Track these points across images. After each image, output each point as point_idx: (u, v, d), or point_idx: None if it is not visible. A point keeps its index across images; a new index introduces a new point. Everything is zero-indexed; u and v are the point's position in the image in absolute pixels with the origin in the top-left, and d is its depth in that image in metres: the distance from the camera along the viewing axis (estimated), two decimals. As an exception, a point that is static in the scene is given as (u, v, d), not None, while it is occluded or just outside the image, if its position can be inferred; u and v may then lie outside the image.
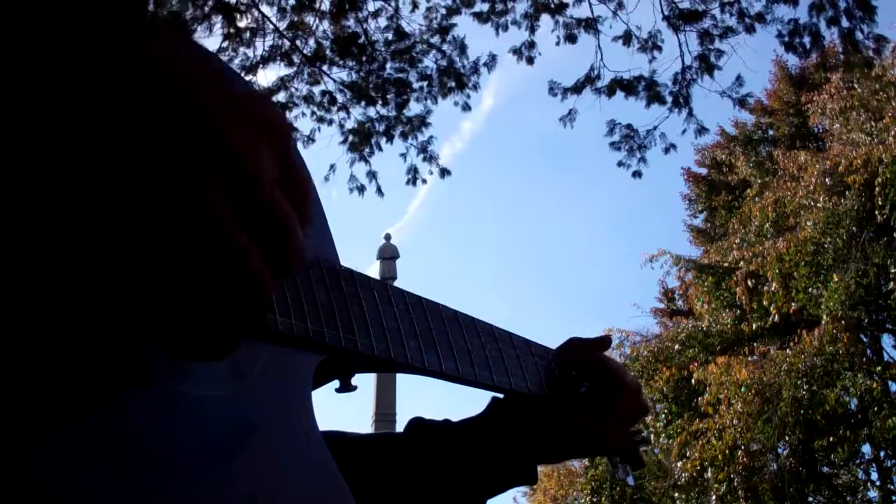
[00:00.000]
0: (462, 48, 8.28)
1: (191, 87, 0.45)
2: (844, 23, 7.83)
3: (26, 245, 0.44)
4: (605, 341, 1.13)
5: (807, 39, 8.06)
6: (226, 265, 0.45)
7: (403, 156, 8.73)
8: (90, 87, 0.43)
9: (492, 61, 8.41)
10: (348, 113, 8.38)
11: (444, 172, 8.95)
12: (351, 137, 8.50)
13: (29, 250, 0.44)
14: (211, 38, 7.39)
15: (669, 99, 8.37)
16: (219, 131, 0.45)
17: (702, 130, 8.70)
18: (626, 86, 8.41)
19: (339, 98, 8.33)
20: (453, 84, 8.36)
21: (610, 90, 8.43)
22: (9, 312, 0.46)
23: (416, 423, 1.05)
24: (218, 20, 7.36)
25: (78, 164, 0.42)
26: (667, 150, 8.91)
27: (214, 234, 0.44)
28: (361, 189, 8.77)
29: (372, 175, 8.76)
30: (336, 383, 0.81)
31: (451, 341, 0.88)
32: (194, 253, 0.44)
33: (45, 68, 0.42)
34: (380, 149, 8.57)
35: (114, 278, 0.44)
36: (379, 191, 8.79)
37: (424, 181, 8.97)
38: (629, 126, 8.87)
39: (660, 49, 8.26)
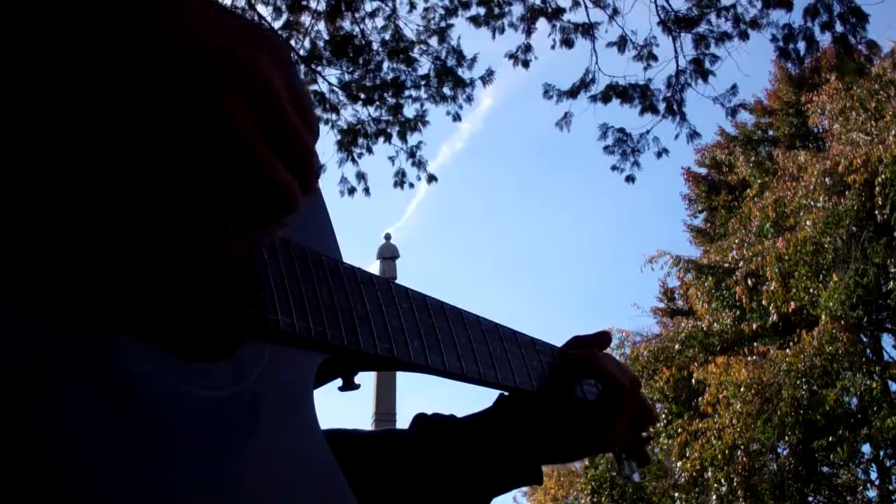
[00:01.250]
0: (460, 56, 8.29)
1: (204, 21, 0.48)
2: (838, 27, 7.87)
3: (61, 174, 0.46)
4: (604, 338, 1.13)
5: (801, 45, 8.09)
6: (256, 177, 0.48)
7: (392, 159, 8.73)
8: (110, 22, 0.45)
9: (489, 76, 8.44)
10: (338, 113, 8.38)
11: (432, 178, 8.95)
12: (342, 138, 8.49)
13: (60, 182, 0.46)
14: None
15: (663, 106, 8.41)
16: (238, 57, 0.48)
17: (694, 135, 8.74)
18: (621, 93, 8.43)
19: (332, 98, 8.33)
20: (448, 91, 8.37)
21: (605, 97, 8.47)
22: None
23: (422, 420, 1.04)
24: None
25: (106, 98, 0.45)
26: (659, 155, 8.96)
27: (243, 150, 0.47)
28: (352, 191, 8.77)
29: (361, 176, 8.76)
30: (339, 382, 0.81)
31: (454, 339, 0.88)
32: (226, 167, 0.47)
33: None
34: (370, 151, 8.57)
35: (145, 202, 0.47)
36: (367, 191, 8.78)
37: (412, 185, 8.96)
38: (622, 130, 8.92)
39: (655, 58, 8.30)
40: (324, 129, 8.50)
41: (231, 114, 0.47)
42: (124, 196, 0.46)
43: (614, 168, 9.00)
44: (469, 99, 8.52)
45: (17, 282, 0.48)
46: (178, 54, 0.46)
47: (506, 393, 1.06)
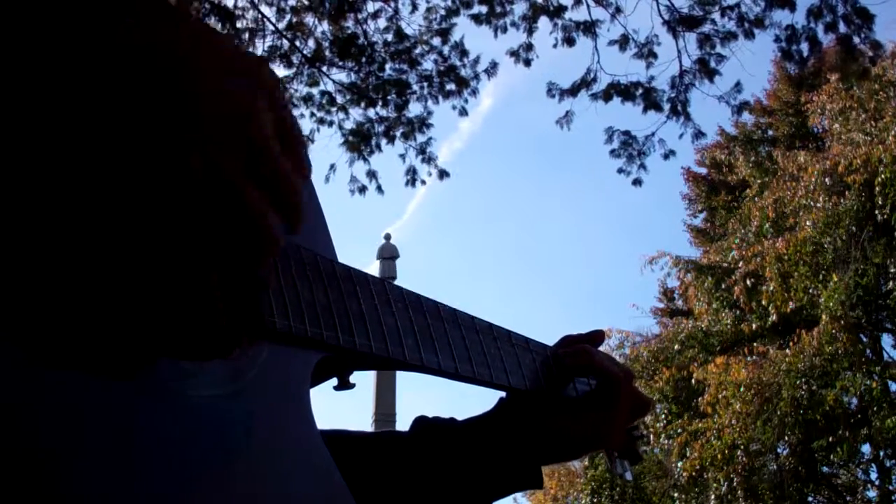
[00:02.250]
0: (463, 52, 8.28)
1: (186, 54, 0.46)
2: (842, 28, 7.83)
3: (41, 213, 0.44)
4: (596, 336, 1.13)
5: (804, 46, 8.05)
6: (242, 219, 0.46)
7: (402, 157, 8.74)
8: (82, 62, 0.43)
9: (493, 68, 8.42)
10: (347, 113, 8.38)
11: (443, 174, 8.95)
12: (350, 138, 8.49)
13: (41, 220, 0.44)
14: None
15: (667, 106, 8.36)
16: (228, 100, 0.47)
17: (699, 135, 8.69)
18: (623, 91, 8.40)
19: (339, 99, 8.33)
20: (453, 87, 8.36)
21: (606, 95, 8.42)
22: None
23: (422, 422, 1.04)
24: (217, 24, 7.35)
25: (78, 139, 0.43)
26: (666, 157, 8.91)
27: (229, 192, 0.46)
28: (363, 189, 8.77)
29: (372, 174, 8.76)
30: (334, 381, 0.81)
31: (449, 339, 0.88)
32: (211, 209, 0.45)
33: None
34: (379, 149, 8.57)
35: (129, 237, 0.45)
36: (379, 189, 8.79)
37: (423, 182, 8.97)
38: (627, 133, 8.86)
39: (655, 56, 8.26)
40: (331, 129, 8.51)
41: (216, 150, 0.45)
42: (103, 233, 0.44)
43: (621, 171, 8.95)
44: (474, 92, 8.51)
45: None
46: (160, 85, 0.45)
47: (504, 396, 1.07)
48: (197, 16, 0.48)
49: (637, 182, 8.93)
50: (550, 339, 1.11)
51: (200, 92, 0.46)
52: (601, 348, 1.14)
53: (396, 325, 0.81)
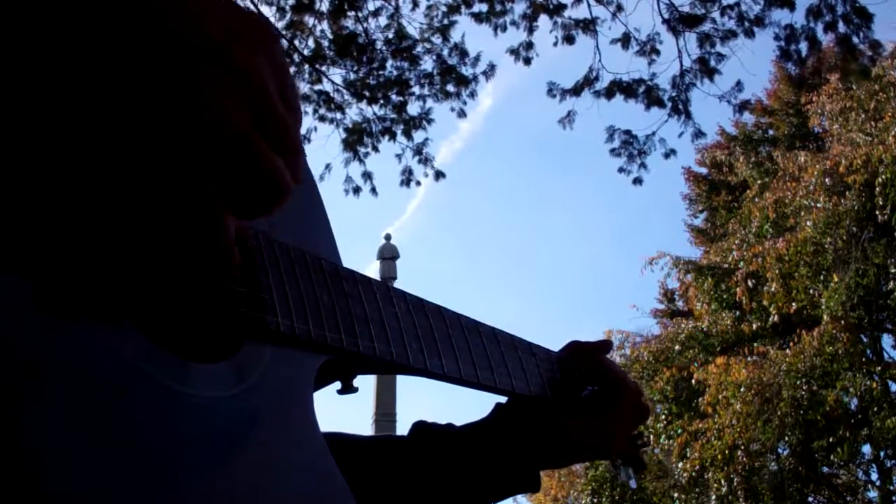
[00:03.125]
0: (463, 53, 8.29)
1: (197, 15, 0.49)
2: (841, 28, 7.84)
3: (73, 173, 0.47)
4: (606, 345, 1.14)
5: (803, 45, 8.06)
6: (253, 168, 0.49)
7: (399, 157, 8.74)
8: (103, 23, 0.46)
9: (490, 70, 8.43)
10: (344, 112, 8.38)
11: (439, 175, 8.95)
12: (348, 136, 8.49)
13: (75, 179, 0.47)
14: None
15: (669, 104, 8.37)
16: (230, 52, 0.49)
17: (699, 134, 8.71)
18: (625, 88, 8.41)
19: (337, 98, 8.33)
20: (452, 88, 8.37)
21: (609, 93, 8.44)
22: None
23: (421, 427, 1.04)
24: None
25: (102, 92, 0.46)
26: (667, 156, 8.93)
27: (241, 142, 0.49)
28: (357, 190, 8.76)
29: (367, 175, 8.75)
30: (338, 384, 0.81)
31: (453, 343, 0.88)
32: (223, 159, 0.48)
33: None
34: (376, 150, 8.57)
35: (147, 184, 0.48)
36: (374, 191, 8.78)
37: (419, 183, 8.98)
38: (628, 132, 8.88)
39: (658, 53, 8.26)
40: (329, 128, 8.52)
41: (227, 106, 0.48)
42: (121, 188, 0.47)
43: (621, 170, 8.97)
44: (473, 94, 8.52)
45: (15, 267, 0.48)
46: (174, 50, 0.47)
47: (503, 401, 1.07)
48: None
49: (637, 181, 8.96)
50: (550, 339, 1.11)
51: (210, 47, 0.49)
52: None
53: (400, 329, 0.80)
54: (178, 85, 0.47)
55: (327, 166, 8.71)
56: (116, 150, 0.46)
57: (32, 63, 0.45)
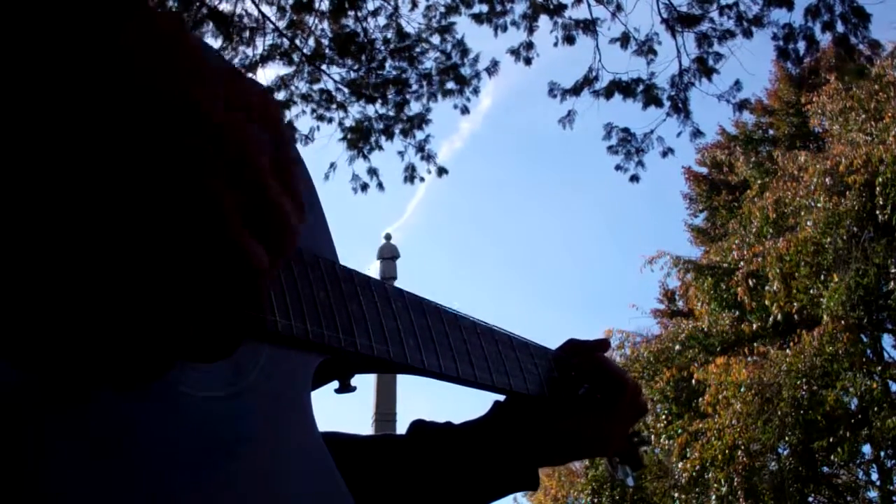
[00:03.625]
0: (464, 51, 8.30)
1: (182, 81, 0.45)
2: (839, 27, 7.85)
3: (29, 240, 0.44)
4: (604, 343, 1.14)
5: (801, 45, 8.07)
6: (228, 254, 0.46)
7: (401, 154, 8.76)
8: (77, 84, 0.43)
9: (493, 67, 8.44)
10: (346, 111, 8.40)
11: (442, 171, 8.98)
12: (350, 135, 8.51)
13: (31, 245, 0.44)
14: (211, 41, 7.39)
15: (667, 103, 8.39)
16: (214, 122, 0.45)
17: (697, 133, 8.72)
18: (624, 88, 8.42)
19: (338, 97, 8.35)
20: (453, 85, 8.38)
21: (608, 92, 8.45)
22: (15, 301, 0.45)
23: (419, 426, 1.04)
24: (213, 28, 7.37)
25: (70, 163, 0.42)
26: (665, 154, 8.94)
27: (217, 223, 0.45)
28: (365, 187, 8.79)
29: (373, 172, 8.78)
30: (335, 384, 0.81)
31: (450, 342, 0.88)
32: (197, 241, 0.45)
33: (28, 62, 0.42)
34: (380, 147, 8.59)
35: (116, 267, 0.44)
36: (380, 186, 8.81)
37: (422, 179, 9.01)
38: (626, 130, 8.90)
39: (656, 53, 8.28)
40: (331, 127, 8.53)
41: (215, 194, 0.44)
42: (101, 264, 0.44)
43: (618, 168, 9.00)
44: (476, 91, 8.54)
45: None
46: (166, 127, 0.44)
47: (501, 399, 1.07)
48: (200, 39, 0.47)
49: (635, 178, 8.97)
50: (550, 339, 1.11)
51: (199, 117, 0.45)
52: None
53: (398, 327, 0.80)
54: (164, 162, 0.43)
55: (332, 165, 8.74)
56: (89, 222, 0.43)
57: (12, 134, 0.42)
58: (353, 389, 0.82)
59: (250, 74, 7.63)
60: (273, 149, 0.49)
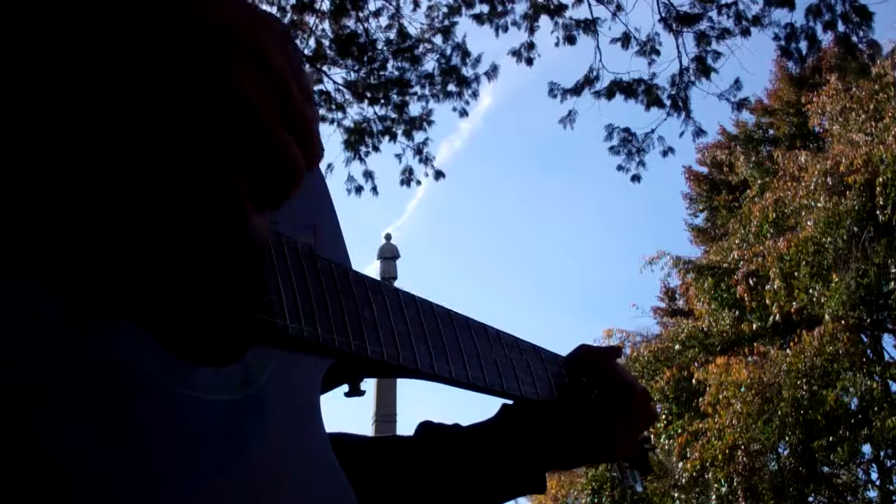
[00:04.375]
0: (465, 53, 8.30)
1: (214, 4, 0.49)
2: (840, 27, 7.85)
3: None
4: (615, 351, 1.14)
5: (803, 44, 8.08)
6: (268, 149, 0.49)
7: (399, 156, 8.76)
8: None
9: (493, 71, 8.44)
10: (344, 112, 8.40)
11: (439, 175, 8.97)
12: (348, 136, 8.51)
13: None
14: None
15: (668, 103, 8.39)
16: (249, 36, 0.50)
17: (700, 133, 8.72)
18: (625, 88, 8.42)
19: (338, 98, 8.35)
20: (453, 88, 8.38)
21: (609, 93, 8.45)
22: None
23: (427, 427, 1.04)
24: None
25: (123, 71, 0.46)
26: (665, 154, 8.94)
27: (257, 122, 0.49)
28: (359, 189, 8.78)
29: (368, 175, 8.77)
30: (345, 387, 0.81)
31: (460, 347, 0.88)
32: (240, 139, 0.48)
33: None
34: (377, 150, 8.59)
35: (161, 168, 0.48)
36: (374, 190, 8.81)
37: (419, 182, 9.01)
38: (627, 130, 8.90)
39: (658, 53, 8.28)
40: (330, 128, 8.53)
41: (244, 87, 0.48)
42: (141, 171, 0.47)
43: (620, 168, 9.00)
44: (475, 94, 8.54)
45: (31, 266, 0.48)
46: (194, 31, 0.47)
47: (509, 402, 1.07)
48: None
49: (636, 178, 8.98)
50: (550, 338, 1.12)
51: (228, 29, 0.49)
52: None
53: (408, 332, 0.80)
54: (196, 62, 0.47)
55: (329, 166, 8.73)
56: (135, 133, 0.46)
57: (45, 51, 0.45)
58: (362, 393, 0.82)
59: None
60: (288, 59, 0.52)
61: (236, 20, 0.49)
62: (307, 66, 8.10)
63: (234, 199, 0.49)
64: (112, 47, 0.45)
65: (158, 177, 0.47)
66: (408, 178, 8.88)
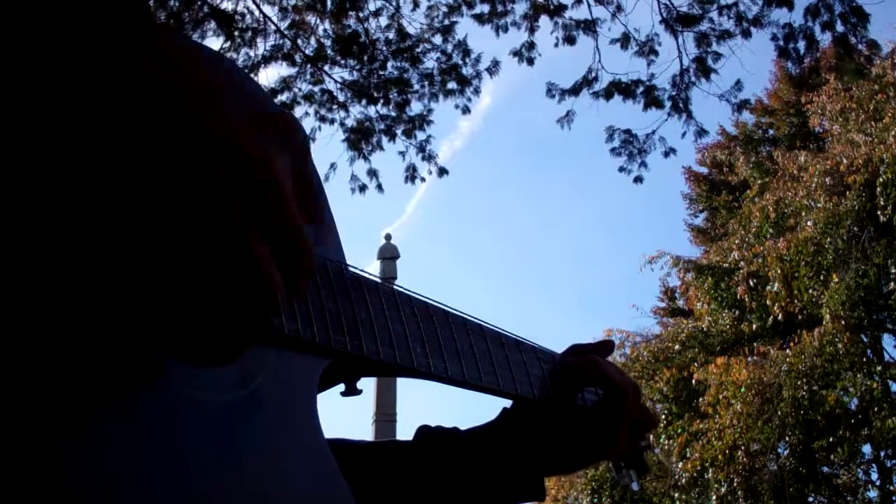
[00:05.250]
0: (466, 52, 8.30)
1: (202, 99, 0.46)
2: (839, 27, 7.86)
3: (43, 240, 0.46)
4: (604, 346, 1.12)
5: (801, 44, 8.08)
6: (241, 267, 0.46)
7: (402, 154, 8.77)
8: (96, 102, 0.44)
9: (494, 67, 8.44)
10: (347, 111, 8.40)
11: (443, 171, 8.99)
12: (351, 136, 8.52)
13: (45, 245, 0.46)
14: (213, 39, 7.39)
15: (668, 103, 8.39)
16: (241, 150, 0.46)
17: (701, 133, 8.73)
18: (624, 89, 8.42)
19: (340, 97, 8.35)
20: (454, 86, 8.39)
21: (608, 94, 8.46)
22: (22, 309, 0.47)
23: (425, 432, 1.04)
24: (215, 26, 7.37)
25: (88, 175, 0.44)
26: (667, 154, 8.96)
27: (231, 237, 0.46)
28: (363, 188, 8.80)
29: (372, 173, 8.79)
30: (341, 387, 0.81)
31: (457, 346, 0.88)
32: (211, 253, 0.46)
33: (49, 82, 0.43)
34: (381, 148, 8.60)
35: (130, 280, 0.46)
36: (379, 188, 8.83)
37: (423, 179, 9.03)
38: (628, 131, 8.91)
39: (657, 54, 8.28)
40: (332, 127, 8.54)
41: (226, 207, 0.45)
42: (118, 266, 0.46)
43: (622, 170, 9.00)
44: (477, 91, 8.55)
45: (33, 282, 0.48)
46: (176, 143, 0.45)
47: (508, 406, 1.06)
48: (230, 61, 0.48)
49: (638, 179, 8.99)
50: (550, 339, 1.11)
51: (213, 136, 0.46)
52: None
53: (405, 332, 0.80)
54: (174, 177, 0.44)
55: (332, 165, 8.74)
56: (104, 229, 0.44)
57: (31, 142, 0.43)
58: (359, 392, 0.82)
59: (252, 75, 7.62)
60: (293, 166, 0.49)
61: (230, 129, 0.46)
62: (308, 67, 8.11)
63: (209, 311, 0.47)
64: (103, 150, 0.44)
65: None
66: (411, 175, 8.90)
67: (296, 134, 0.51)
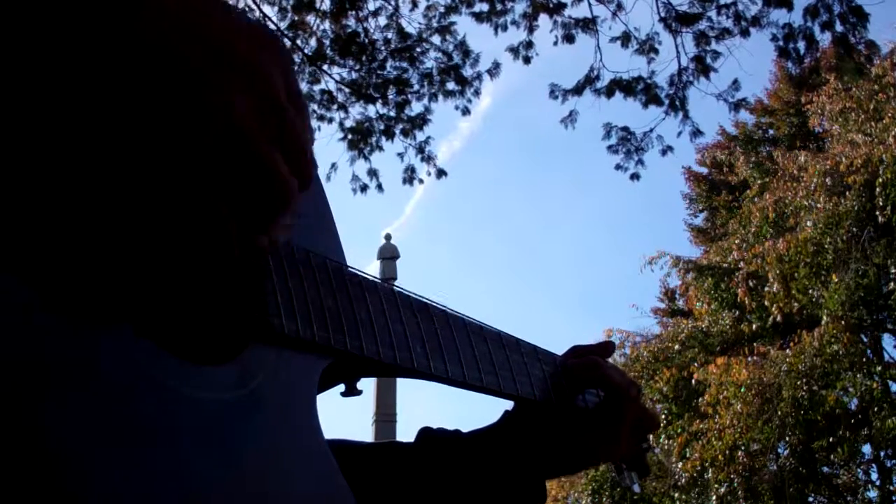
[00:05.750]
0: (466, 52, 8.31)
1: (210, 20, 0.49)
2: (838, 27, 7.87)
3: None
4: (605, 347, 1.12)
5: (801, 44, 8.10)
6: (259, 172, 0.49)
7: (401, 155, 8.77)
8: (110, 27, 0.46)
9: (495, 68, 8.45)
10: (347, 111, 8.41)
11: (441, 173, 8.99)
12: (350, 136, 8.53)
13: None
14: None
15: (667, 101, 8.40)
16: (242, 56, 0.49)
17: (697, 133, 8.74)
18: (624, 87, 8.43)
19: (339, 97, 8.36)
20: (454, 87, 8.39)
21: (609, 91, 8.47)
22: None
23: (426, 434, 1.04)
24: None
25: (113, 93, 0.45)
26: (664, 153, 8.96)
27: (247, 144, 0.48)
28: (364, 188, 8.81)
29: (373, 173, 8.80)
30: (341, 387, 0.81)
31: (457, 346, 0.88)
32: (229, 162, 0.48)
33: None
34: (380, 148, 8.61)
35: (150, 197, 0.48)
36: (380, 187, 8.84)
37: (421, 181, 9.03)
38: (625, 129, 8.91)
39: (657, 52, 8.29)
40: (332, 127, 8.54)
41: (236, 109, 0.48)
42: (129, 189, 0.47)
43: (618, 167, 9.01)
44: (477, 92, 8.55)
45: (23, 273, 0.48)
46: (185, 52, 0.47)
47: (510, 408, 1.06)
48: None
49: (635, 177, 8.99)
50: (549, 339, 1.11)
51: (214, 42, 0.49)
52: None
53: (405, 332, 0.80)
54: (186, 84, 0.47)
55: (333, 165, 8.76)
56: (119, 147, 0.46)
57: (34, 63, 0.45)
58: (359, 393, 0.82)
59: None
60: (285, 80, 0.52)
61: (232, 41, 0.49)
62: (308, 66, 8.12)
63: (215, 219, 0.49)
64: (103, 64, 0.45)
65: (147, 192, 0.47)
66: (410, 176, 8.91)
67: (283, 48, 0.54)
